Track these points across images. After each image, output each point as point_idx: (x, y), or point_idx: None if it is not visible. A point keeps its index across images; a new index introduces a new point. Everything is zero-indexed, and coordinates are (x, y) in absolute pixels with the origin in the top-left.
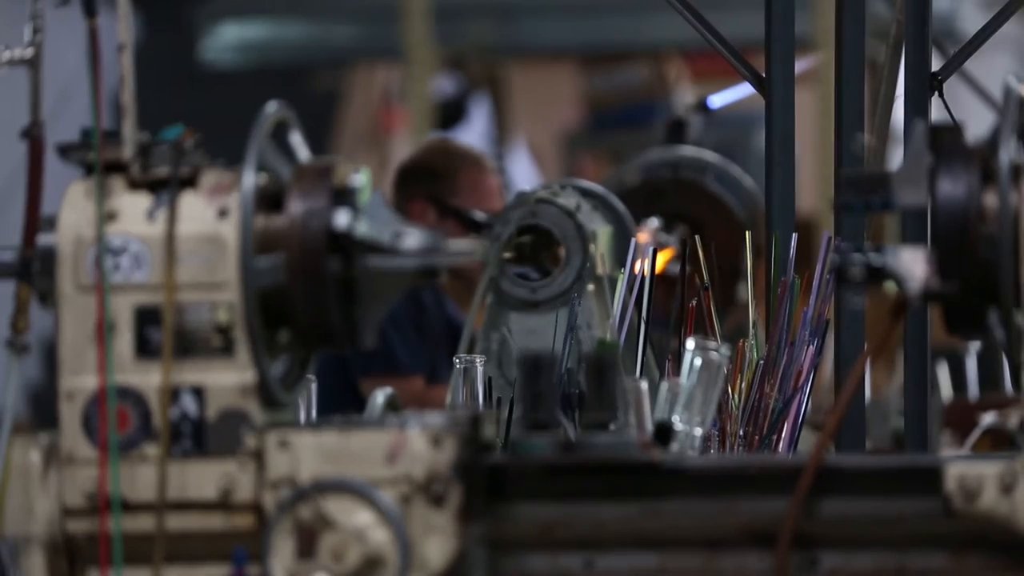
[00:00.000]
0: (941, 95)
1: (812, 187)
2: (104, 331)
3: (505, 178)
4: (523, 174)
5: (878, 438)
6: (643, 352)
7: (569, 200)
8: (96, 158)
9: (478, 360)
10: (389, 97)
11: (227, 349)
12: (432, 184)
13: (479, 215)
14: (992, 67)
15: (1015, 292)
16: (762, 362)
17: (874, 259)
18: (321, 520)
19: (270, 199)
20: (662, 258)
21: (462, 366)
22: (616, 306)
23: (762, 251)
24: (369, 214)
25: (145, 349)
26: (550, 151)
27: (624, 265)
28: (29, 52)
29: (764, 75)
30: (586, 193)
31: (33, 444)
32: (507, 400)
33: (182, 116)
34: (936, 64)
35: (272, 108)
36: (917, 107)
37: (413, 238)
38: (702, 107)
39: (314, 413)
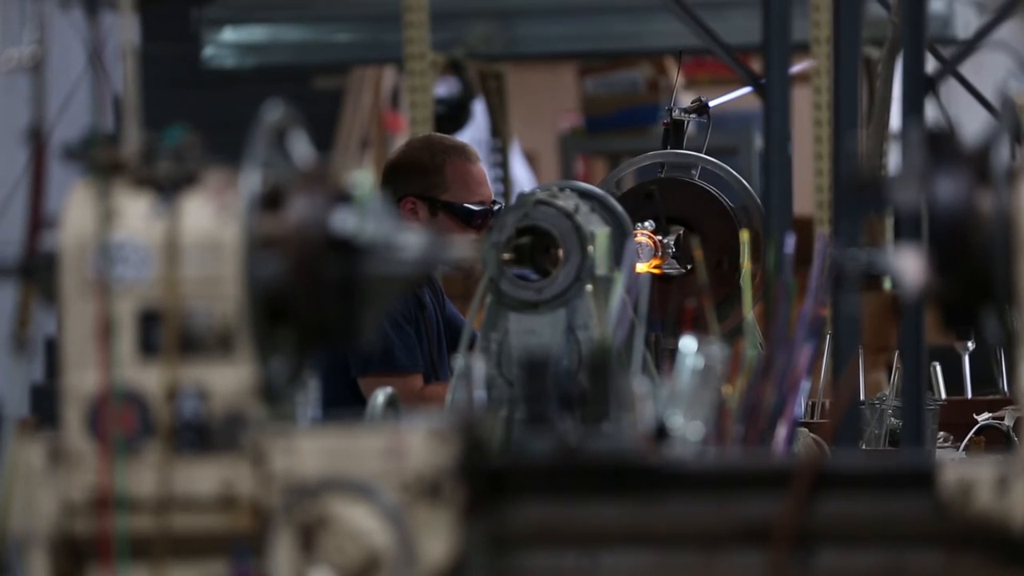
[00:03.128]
0: (937, 96)
1: (806, 187)
2: (107, 331)
3: (508, 181)
4: (518, 176)
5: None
6: (641, 352)
7: (568, 201)
8: (98, 158)
9: (478, 360)
10: (389, 100)
11: (228, 348)
12: (420, 181)
13: (471, 206)
14: (987, 66)
15: (1009, 292)
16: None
17: (872, 259)
18: (322, 519)
19: (271, 199)
20: (658, 258)
21: (462, 366)
22: (614, 306)
23: (758, 250)
24: (369, 214)
25: (146, 348)
26: (548, 154)
27: (622, 265)
28: (32, 52)
29: (763, 79)
30: (584, 194)
31: (36, 443)
32: (507, 400)
33: (184, 116)
34: (931, 66)
35: (274, 108)
36: (913, 109)
37: (413, 238)
38: (699, 109)
39: (315, 412)
